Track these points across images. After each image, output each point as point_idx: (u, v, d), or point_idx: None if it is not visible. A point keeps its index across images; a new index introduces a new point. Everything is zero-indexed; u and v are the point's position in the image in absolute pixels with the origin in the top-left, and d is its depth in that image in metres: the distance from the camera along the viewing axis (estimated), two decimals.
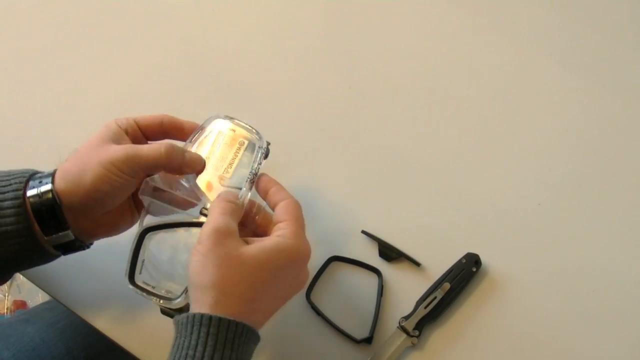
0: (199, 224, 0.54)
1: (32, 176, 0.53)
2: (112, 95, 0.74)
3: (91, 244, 0.58)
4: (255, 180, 0.57)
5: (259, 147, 0.58)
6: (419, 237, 0.66)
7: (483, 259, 0.63)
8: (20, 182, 0.52)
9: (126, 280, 0.54)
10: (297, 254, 0.52)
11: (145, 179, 0.55)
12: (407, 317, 0.61)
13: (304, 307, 0.63)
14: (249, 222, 0.56)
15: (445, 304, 0.62)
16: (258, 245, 0.50)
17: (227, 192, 0.55)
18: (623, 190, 0.68)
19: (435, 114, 0.72)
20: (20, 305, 1.50)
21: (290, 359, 0.62)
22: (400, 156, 0.70)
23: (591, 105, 0.72)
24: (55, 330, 0.78)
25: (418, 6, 0.77)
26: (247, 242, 0.51)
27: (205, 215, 0.54)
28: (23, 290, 1.52)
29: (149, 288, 0.55)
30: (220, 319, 0.47)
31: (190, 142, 0.57)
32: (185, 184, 0.56)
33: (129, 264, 0.54)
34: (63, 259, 0.61)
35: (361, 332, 0.62)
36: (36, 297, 1.49)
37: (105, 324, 0.63)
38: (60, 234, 0.53)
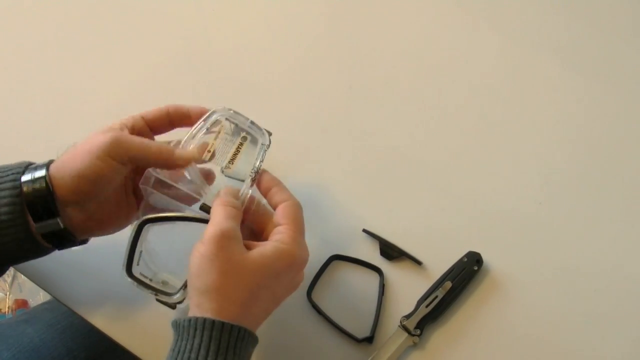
0: (200, 220, 0.54)
1: (27, 167, 0.53)
2: (113, 95, 0.74)
3: (86, 241, 0.58)
4: (256, 177, 0.57)
5: (262, 144, 0.57)
6: (420, 236, 0.66)
7: (484, 257, 0.63)
8: (17, 173, 0.52)
9: (123, 272, 0.54)
10: (294, 259, 0.52)
11: (148, 168, 0.55)
12: (408, 316, 0.61)
13: (305, 306, 0.63)
14: (247, 218, 0.56)
15: (447, 303, 0.62)
16: (259, 251, 0.51)
17: (228, 190, 0.55)
18: (624, 189, 0.68)
19: (436, 113, 0.72)
20: (21, 304, 1.50)
21: (291, 358, 0.61)
22: (401, 155, 0.70)
23: (592, 104, 0.72)
24: (55, 331, 0.77)
25: (419, 6, 0.77)
26: (247, 247, 0.51)
27: (206, 211, 0.54)
28: (24, 289, 1.52)
29: (146, 280, 0.55)
30: (223, 324, 0.47)
31: (192, 134, 0.56)
32: (187, 177, 0.56)
33: (127, 255, 0.54)
34: (64, 259, 0.61)
35: (362, 331, 0.62)
36: (37, 296, 1.49)
37: (105, 323, 0.63)
38: (49, 221, 0.52)
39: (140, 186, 0.55)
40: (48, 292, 0.65)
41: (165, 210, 0.56)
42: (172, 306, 0.56)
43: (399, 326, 0.61)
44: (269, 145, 0.58)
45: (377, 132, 0.71)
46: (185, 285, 0.54)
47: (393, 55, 0.75)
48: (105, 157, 0.51)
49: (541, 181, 0.68)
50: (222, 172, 0.56)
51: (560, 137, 0.70)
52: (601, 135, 0.70)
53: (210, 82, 0.74)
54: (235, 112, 0.58)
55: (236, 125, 0.57)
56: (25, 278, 1.54)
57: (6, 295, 1.52)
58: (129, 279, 0.54)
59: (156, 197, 0.56)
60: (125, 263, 0.54)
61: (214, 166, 0.57)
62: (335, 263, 0.65)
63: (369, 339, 0.61)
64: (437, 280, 0.63)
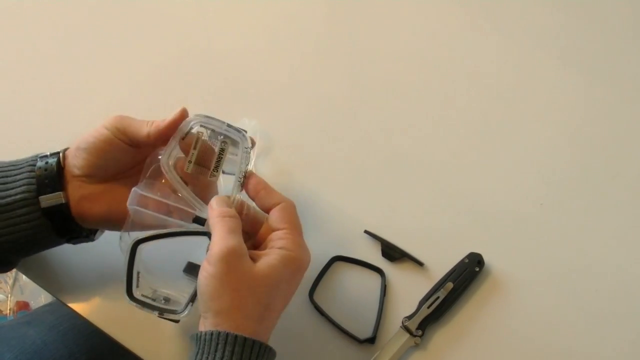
0: (192, 233, 0.53)
1: (45, 155, 0.57)
2: (115, 96, 0.74)
3: (93, 237, 0.59)
4: (244, 181, 0.55)
5: (245, 148, 0.55)
6: (422, 237, 0.66)
7: (486, 258, 0.63)
8: (34, 159, 0.56)
9: (125, 296, 0.54)
10: (301, 264, 0.52)
11: (133, 188, 0.55)
12: (410, 317, 0.61)
13: (307, 307, 0.63)
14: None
15: (448, 304, 0.62)
16: (266, 262, 0.50)
17: (219, 199, 0.54)
18: (626, 190, 0.68)
19: (437, 114, 0.72)
20: (23, 306, 1.50)
21: (293, 358, 0.61)
22: (402, 156, 0.70)
23: (593, 105, 0.72)
24: (57, 333, 0.77)
25: (420, 7, 0.77)
26: (252, 258, 0.51)
27: (199, 223, 0.53)
28: (26, 292, 1.52)
29: (148, 301, 0.54)
30: (245, 339, 0.47)
31: (169, 148, 0.54)
32: (175, 191, 0.55)
33: (126, 279, 0.54)
34: (66, 260, 0.61)
35: (364, 332, 0.62)
36: (39, 298, 1.49)
37: (107, 324, 0.63)
38: (52, 194, 0.54)
39: (128, 207, 0.54)
40: (50, 294, 0.65)
41: (155, 227, 0.54)
42: (177, 321, 0.55)
43: (400, 327, 0.61)
44: (252, 147, 0.56)
45: (379, 133, 0.71)
46: (191, 300, 0.54)
47: (395, 55, 0.75)
48: (102, 128, 0.54)
49: (542, 182, 0.68)
50: (208, 180, 0.55)
51: (561, 138, 0.70)
52: (603, 136, 0.70)
53: (212, 83, 0.74)
54: (208, 116, 0.55)
55: (212, 130, 0.55)
56: (27, 280, 1.55)
57: (7, 297, 1.51)
58: (132, 303, 0.54)
59: (143, 215, 0.55)
60: (126, 287, 0.54)
61: (199, 177, 0.55)
62: (337, 264, 0.65)
63: (371, 340, 0.61)
64: (439, 281, 0.63)
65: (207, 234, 0.53)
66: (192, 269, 0.56)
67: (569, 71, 0.73)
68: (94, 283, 0.64)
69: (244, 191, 0.56)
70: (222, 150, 0.55)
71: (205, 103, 0.73)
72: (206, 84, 0.75)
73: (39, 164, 0.55)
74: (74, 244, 0.59)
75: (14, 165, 0.56)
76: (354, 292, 0.64)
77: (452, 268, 0.63)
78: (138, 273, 0.54)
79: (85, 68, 0.76)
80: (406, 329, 0.61)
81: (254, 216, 0.55)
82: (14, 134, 0.72)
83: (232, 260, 0.49)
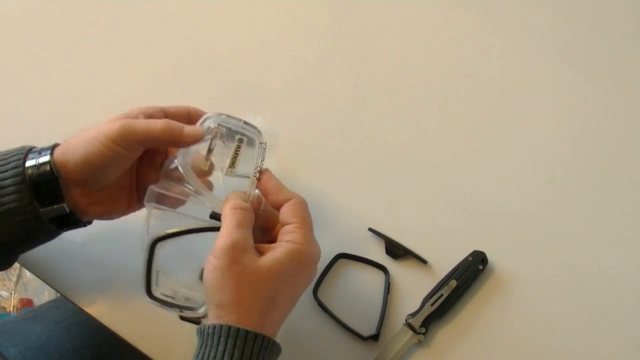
0: (210, 229, 0.53)
1: (30, 150, 0.53)
2: (120, 96, 0.74)
3: (89, 222, 0.58)
4: (259, 176, 0.56)
5: (260, 143, 0.56)
6: (426, 235, 0.66)
7: (489, 256, 0.63)
8: (19, 159, 0.52)
9: (144, 295, 0.54)
10: (309, 258, 0.52)
11: (150, 185, 0.55)
12: (413, 315, 0.61)
13: (311, 304, 0.63)
14: (257, 218, 0.56)
15: (452, 302, 0.62)
16: (271, 256, 0.50)
17: (236, 193, 0.54)
18: (629, 189, 0.68)
19: (441, 113, 0.72)
20: (26, 303, 1.50)
21: (297, 356, 0.62)
22: (406, 154, 0.70)
23: (596, 103, 0.72)
24: (62, 328, 0.78)
25: (422, 7, 0.77)
26: (259, 251, 0.51)
27: (216, 218, 0.53)
28: (29, 289, 1.52)
29: (168, 300, 0.54)
30: (247, 332, 0.47)
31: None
32: (190, 187, 0.55)
33: (144, 278, 0.54)
34: (70, 255, 0.61)
35: (368, 329, 0.62)
36: (42, 296, 1.50)
37: (111, 319, 0.63)
38: (55, 206, 0.52)
39: (145, 204, 0.55)
40: (54, 289, 0.65)
41: (174, 226, 0.55)
42: (197, 322, 0.55)
43: (404, 324, 0.62)
44: (267, 143, 0.57)
45: (384, 131, 0.71)
46: None
47: (399, 54, 0.75)
48: (110, 144, 0.51)
49: (546, 181, 0.68)
50: (224, 177, 0.55)
51: (565, 137, 0.70)
52: (606, 135, 0.70)
53: (215, 82, 0.75)
54: (227, 115, 0.56)
55: (229, 128, 0.56)
56: (31, 277, 1.55)
57: (11, 294, 1.52)
58: (151, 301, 0.54)
59: (161, 212, 0.55)
60: (145, 286, 0.54)
61: (215, 172, 0.56)
62: (341, 262, 0.65)
63: (375, 337, 0.61)
64: (443, 279, 0.63)
65: None
66: None
67: (573, 71, 0.73)
68: (98, 279, 0.64)
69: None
70: (238, 148, 0.56)
71: (211, 101, 0.73)
72: (211, 82, 0.75)
73: (30, 163, 0.52)
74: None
75: None
76: (357, 290, 0.64)
77: (456, 266, 0.63)
78: (157, 272, 0.54)
79: (90, 68, 0.76)
80: (410, 326, 0.61)
81: (271, 212, 0.56)
82: (15, 134, 0.72)
83: (236, 254, 0.49)
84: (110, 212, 0.57)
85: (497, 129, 0.71)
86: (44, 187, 0.52)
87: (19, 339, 0.75)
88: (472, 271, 0.63)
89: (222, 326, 0.47)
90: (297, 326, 0.62)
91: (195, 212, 0.56)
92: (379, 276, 0.65)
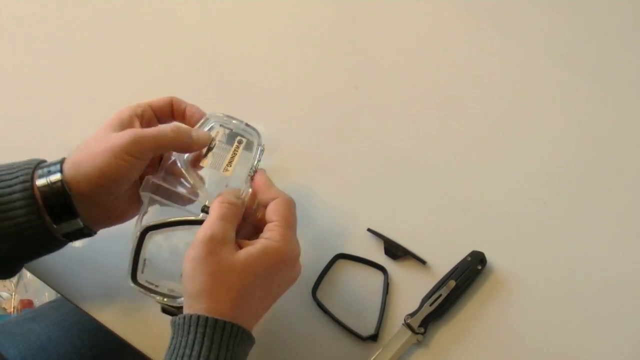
0: (200, 222, 0.54)
1: (37, 165, 0.54)
2: (119, 97, 0.73)
3: (95, 232, 0.58)
4: (253, 175, 0.57)
5: (258, 145, 0.58)
6: (425, 236, 0.66)
7: (488, 257, 0.64)
8: (27, 174, 0.52)
9: (128, 279, 0.55)
10: (283, 255, 0.52)
11: (147, 176, 0.56)
12: (412, 315, 0.62)
13: (309, 304, 0.63)
14: (250, 216, 0.57)
15: (451, 302, 0.62)
16: (247, 251, 0.51)
17: (230, 190, 0.55)
18: (628, 190, 0.68)
19: (441, 114, 0.72)
20: (26, 304, 1.50)
21: (296, 356, 0.62)
22: (406, 155, 0.70)
23: (596, 104, 0.72)
24: (62, 329, 0.78)
25: (423, 8, 0.78)
26: (240, 246, 0.52)
27: (206, 212, 0.54)
28: (30, 290, 1.52)
29: (151, 287, 0.55)
30: (216, 320, 0.48)
31: None
32: (187, 182, 0.56)
33: (131, 263, 0.55)
34: (71, 257, 0.62)
35: (367, 330, 0.62)
36: (43, 296, 1.50)
37: (112, 320, 0.63)
38: (70, 222, 0.53)
39: (140, 193, 0.56)
40: (55, 290, 0.65)
41: (166, 216, 0.56)
42: (176, 313, 0.55)
43: (403, 324, 0.62)
44: (265, 145, 0.58)
45: (383, 132, 0.71)
46: None
47: (398, 55, 0.75)
48: (125, 155, 0.52)
49: (545, 181, 0.68)
50: (221, 175, 0.57)
51: (564, 137, 0.70)
52: (606, 135, 0.70)
53: (215, 83, 0.75)
54: (228, 116, 0.59)
55: (230, 130, 0.58)
56: (31, 278, 1.55)
57: (12, 295, 1.52)
58: (135, 286, 0.55)
59: (156, 203, 0.56)
60: (130, 271, 0.55)
61: (212, 170, 0.57)
62: (340, 262, 0.65)
63: (374, 337, 0.62)
64: (441, 279, 0.63)
65: None
66: None
67: (572, 72, 0.73)
68: (98, 280, 0.65)
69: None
70: (236, 149, 0.58)
71: (209, 104, 0.73)
72: (212, 83, 0.75)
73: (41, 182, 0.52)
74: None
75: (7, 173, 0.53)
76: (356, 290, 0.64)
77: (455, 266, 0.63)
78: (145, 260, 0.55)
79: (91, 69, 0.76)
80: (408, 326, 0.61)
81: (263, 211, 0.56)
82: (15, 134, 0.73)
83: (213, 245, 0.50)
84: (121, 219, 0.58)
85: (496, 130, 0.71)
86: (57, 205, 0.52)
87: (19, 339, 0.75)
88: (470, 271, 0.63)
89: (191, 316, 0.48)
90: (295, 326, 0.63)
91: (189, 206, 0.57)
92: (378, 276, 0.65)
